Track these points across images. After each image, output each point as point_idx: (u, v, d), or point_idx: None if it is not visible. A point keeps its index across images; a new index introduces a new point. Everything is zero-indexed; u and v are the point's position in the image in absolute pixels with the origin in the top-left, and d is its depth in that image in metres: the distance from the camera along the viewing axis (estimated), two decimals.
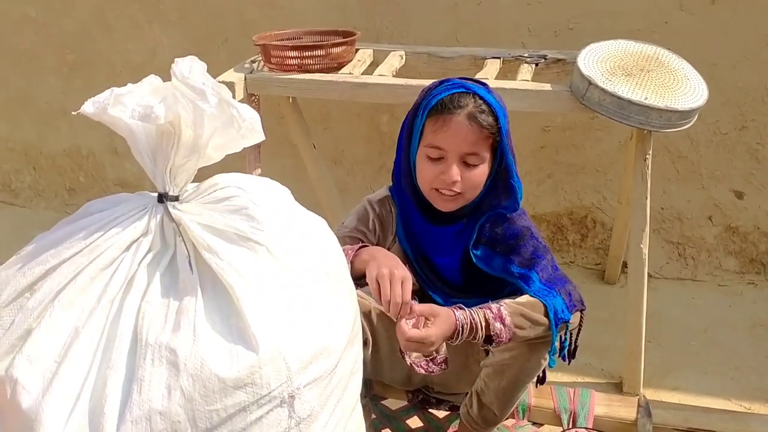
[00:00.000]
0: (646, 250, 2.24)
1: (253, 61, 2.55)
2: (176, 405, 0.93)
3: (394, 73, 2.48)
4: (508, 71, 2.46)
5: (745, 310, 2.84)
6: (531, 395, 1.78)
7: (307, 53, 2.47)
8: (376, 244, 1.68)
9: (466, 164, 1.55)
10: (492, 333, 1.45)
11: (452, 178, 1.54)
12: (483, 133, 1.53)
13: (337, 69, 2.49)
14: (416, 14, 2.96)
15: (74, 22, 3.47)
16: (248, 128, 1.07)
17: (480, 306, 1.50)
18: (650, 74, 2.11)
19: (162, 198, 1.07)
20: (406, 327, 1.41)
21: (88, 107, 1.04)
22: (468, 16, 2.90)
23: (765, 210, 2.88)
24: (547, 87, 2.20)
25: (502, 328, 1.45)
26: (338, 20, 3.01)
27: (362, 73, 2.48)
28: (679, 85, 2.09)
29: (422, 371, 1.53)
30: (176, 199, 1.07)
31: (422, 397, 1.82)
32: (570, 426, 1.71)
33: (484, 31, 2.89)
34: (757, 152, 2.81)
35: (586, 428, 1.68)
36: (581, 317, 1.58)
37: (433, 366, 1.53)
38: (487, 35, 2.87)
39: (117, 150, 3.67)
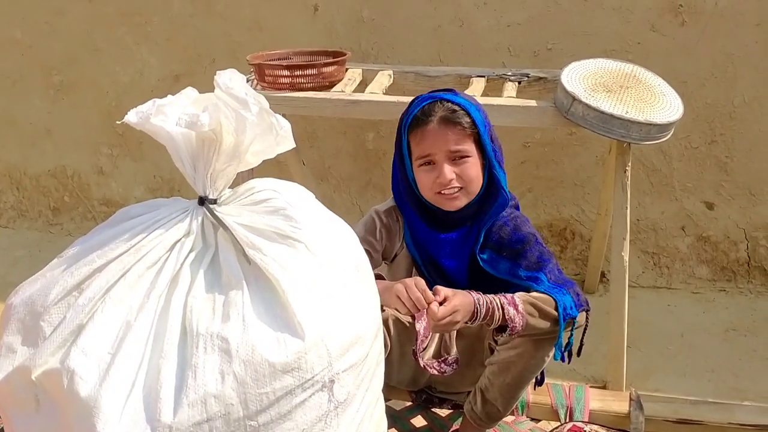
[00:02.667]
0: (627, 257, 2.35)
1: (246, 81, 2.63)
2: (229, 388, 1.00)
3: (384, 91, 2.58)
4: (492, 89, 2.57)
5: (718, 315, 2.97)
6: (529, 393, 1.86)
7: (299, 72, 2.56)
8: (383, 252, 1.77)
9: (455, 162, 1.66)
10: (507, 317, 1.53)
11: (447, 177, 1.64)
12: (458, 129, 1.64)
13: (328, 87, 2.58)
14: (400, 36, 3.07)
15: (61, 44, 3.51)
16: (283, 136, 1.16)
17: (494, 294, 1.59)
18: (629, 90, 2.24)
19: (202, 201, 1.14)
20: (435, 307, 1.49)
21: (132, 117, 1.12)
22: (450, 37, 3.02)
23: (734, 220, 3.03)
24: (533, 103, 2.32)
25: (516, 313, 1.53)
26: (325, 43, 3.10)
27: (353, 91, 2.57)
28: (656, 101, 2.22)
29: (435, 372, 1.60)
30: (215, 202, 1.15)
31: (425, 396, 1.89)
32: (567, 420, 1.80)
33: (467, 52, 3.01)
34: (726, 165, 2.96)
35: (582, 422, 1.77)
36: (587, 317, 1.67)
37: (445, 366, 1.61)
38: (469, 56, 2.99)
39: (102, 170, 3.70)
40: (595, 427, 1.76)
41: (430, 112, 1.65)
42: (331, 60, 2.62)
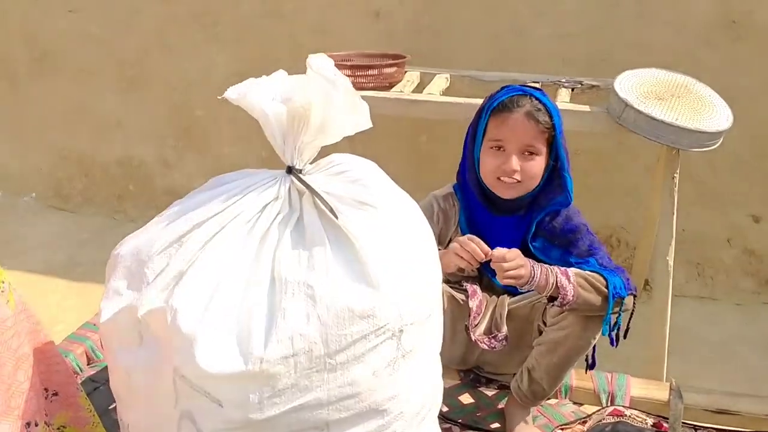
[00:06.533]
0: (671, 262, 2.44)
1: None
2: (313, 329, 1.13)
3: (441, 93, 2.71)
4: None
5: (761, 327, 3.01)
6: (573, 378, 1.95)
7: (360, 72, 2.71)
8: (438, 237, 1.89)
9: (524, 156, 1.78)
10: (559, 285, 1.65)
11: (512, 167, 1.77)
12: (539, 128, 1.76)
13: (388, 88, 2.72)
14: (459, 42, 3.20)
15: (135, 40, 3.72)
16: (363, 116, 1.30)
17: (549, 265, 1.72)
18: (680, 99, 2.33)
19: (290, 170, 1.28)
20: (504, 250, 1.65)
21: (231, 93, 1.26)
22: (507, 45, 3.14)
23: None
24: (586, 108, 2.43)
25: (567, 284, 1.65)
26: (385, 46, 3.24)
27: (412, 92, 2.71)
28: (706, 110, 2.30)
29: (485, 346, 1.72)
30: (300, 171, 1.29)
31: (473, 376, 2.00)
32: (608, 404, 1.88)
33: (522, 59, 3.12)
34: None
35: (623, 406, 1.85)
36: (634, 302, 1.77)
37: (495, 342, 1.73)
38: (525, 63, 3.10)
39: (167, 161, 3.90)
40: (635, 412, 1.83)
41: (518, 103, 1.77)
42: (391, 62, 2.76)
